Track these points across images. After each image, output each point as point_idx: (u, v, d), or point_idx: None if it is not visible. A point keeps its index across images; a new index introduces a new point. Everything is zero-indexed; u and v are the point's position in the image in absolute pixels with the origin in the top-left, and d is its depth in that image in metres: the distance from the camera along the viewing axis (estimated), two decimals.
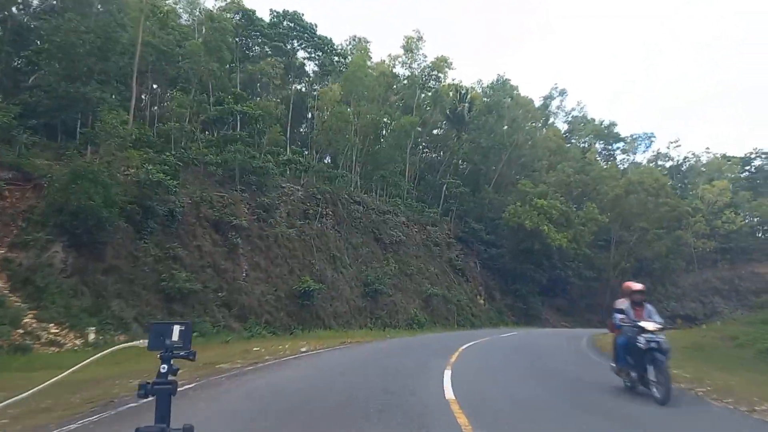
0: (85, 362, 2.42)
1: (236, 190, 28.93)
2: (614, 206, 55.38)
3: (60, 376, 2.33)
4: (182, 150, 28.17)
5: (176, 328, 2.37)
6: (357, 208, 37.15)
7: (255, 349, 15.99)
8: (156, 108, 31.31)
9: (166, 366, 2.28)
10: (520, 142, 57.15)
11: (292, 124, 41.14)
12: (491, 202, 54.64)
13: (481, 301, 47.47)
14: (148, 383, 2.22)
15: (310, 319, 28.92)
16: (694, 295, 67.15)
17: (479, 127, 54.77)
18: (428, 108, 54.47)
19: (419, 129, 51.17)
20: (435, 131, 58.09)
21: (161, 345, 2.32)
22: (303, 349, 15.99)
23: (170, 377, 2.27)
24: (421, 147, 53.96)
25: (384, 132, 45.66)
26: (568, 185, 54.13)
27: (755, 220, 74.86)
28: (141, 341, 2.39)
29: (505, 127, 56.89)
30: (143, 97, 31.52)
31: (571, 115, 70.10)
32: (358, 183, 40.81)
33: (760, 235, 78.51)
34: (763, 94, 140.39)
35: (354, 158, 39.31)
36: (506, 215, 49.21)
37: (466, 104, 54.38)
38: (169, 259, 23.27)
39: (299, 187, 33.92)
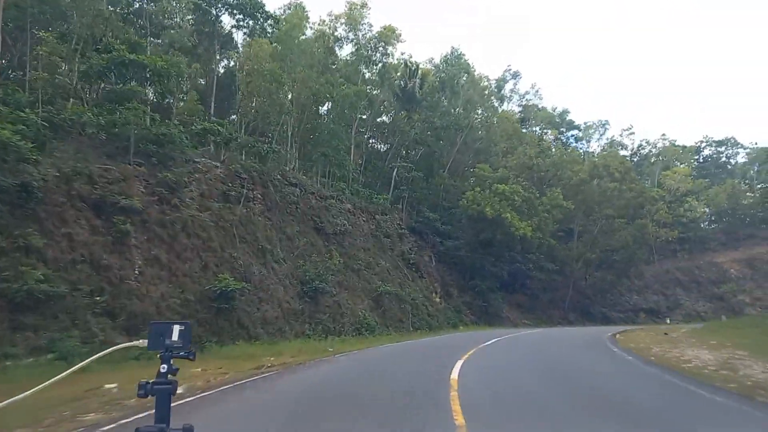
0: (84, 362, 2.48)
1: (129, 163, 22.32)
2: (578, 192, 51.45)
3: (60, 376, 2.32)
4: (52, 111, 21.33)
5: (176, 328, 2.37)
6: (293, 191, 31.03)
7: (106, 386, 9.85)
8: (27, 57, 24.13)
9: (165, 366, 2.27)
10: (476, 124, 52.39)
11: (218, 104, 34.72)
12: (446, 189, 49.60)
13: (437, 299, 42.27)
14: (148, 383, 2.21)
15: (230, 328, 22.69)
16: (656, 287, 64.45)
17: (432, 106, 49.59)
18: (375, 86, 48.77)
19: (365, 111, 45.51)
20: (383, 112, 52.44)
21: (161, 345, 2.32)
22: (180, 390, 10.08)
23: (170, 377, 2.26)
24: (368, 127, 48.19)
25: (326, 106, 39.62)
26: (530, 169, 49.71)
27: (708, 209, 73.11)
28: (141, 341, 2.37)
29: (460, 109, 52.00)
30: (9, 42, 24.30)
31: (525, 98, 66.20)
32: (296, 162, 34.68)
33: (716, 225, 77.09)
34: (712, 82, 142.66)
35: (290, 133, 33.12)
36: (464, 202, 44.21)
37: (417, 80, 49.09)
38: (18, 251, 16.60)
39: (219, 164, 27.53)
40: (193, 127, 27.25)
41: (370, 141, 47.96)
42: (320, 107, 33.53)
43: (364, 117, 46.10)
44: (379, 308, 33.45)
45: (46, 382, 2.26)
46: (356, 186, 41.22)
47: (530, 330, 36.19)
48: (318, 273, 28.91)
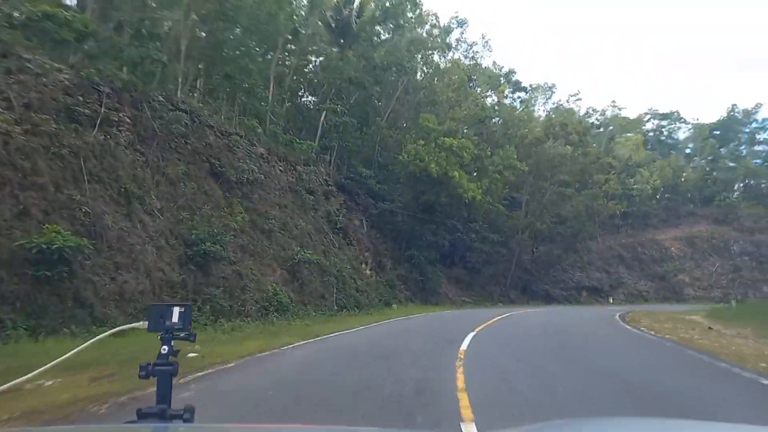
0: (86, 343, 2.54)
1: None
2: (530, 154, 45.89)
3: (64, 357, 2.44)
4: None
5: (176, 310, 2.38)
6: (181, 120, 22.82)
7: None
8: None
9: (166, 347, 2.27)
10: (423, 69, 45.39)
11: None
12: (384, 143, 42.58)
13: (368, 272, 35.55)
14: (149, 364, 2.22)
15: (59, 307, 14.85)
16: (599, 264, 60.77)
17: (371, 41, 42.07)
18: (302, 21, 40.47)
19: (291, 44, 37.38)
20: (312, 53, 44.19)
21: (161, 326, 2.31)
22: None
23: (171, 358, 2.26)
24: (293, 70, 39.89)
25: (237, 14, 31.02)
26: (481, 122, 43.43)
27: (659, 182, 70.27)
28: (141, 323, 2.38)
29: (404, 50, 44.70)
30: None
31: (473, 50, 59.59)
32: (188, 81, 26.28)
33: (657, 201, 74.66)
34: (659, 55, 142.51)
35: (182, 41, 24.62)
36: (404, 156, 37.42)
37: (354, 8, 41.31)
38: None
39: (64, 66, 19.00)
40: (21, 13, 18.54)
41: (295, 78, 39.79)
42: (228, 12, 25.13)
43: (293, 47, 38.00)
44: (296, 281, 26.22)
45: (49, 364, 2.47)
46: (275, 127, 33.35)
47: (503, 312, 30.01)
48: (211, 232, 21.23)
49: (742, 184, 77.41)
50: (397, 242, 40.11)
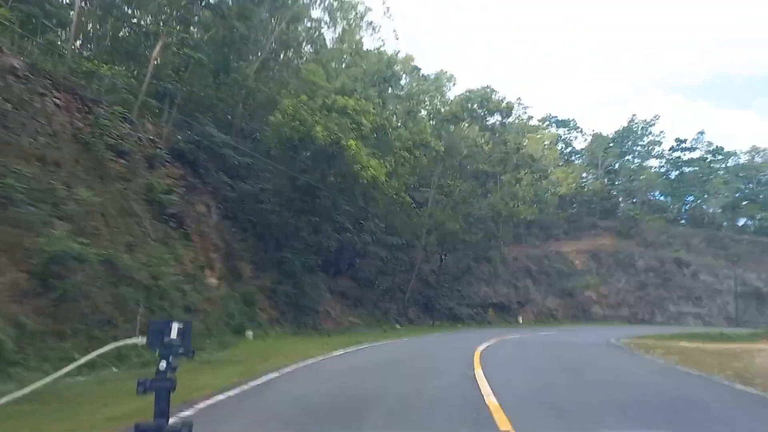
0: (84, 358, 2.51)
1: None
2: (440, 135, 36.32)
3: (61, 372, 2.42)
4: None
5: (175, 326, 2.38)
6: None
7: None
8: None
9: (165, 363, 2.31)
10: (305, 12, 34.33)
11: None
12: (250, 104, 30.91)
13: (213, 280, 23.60)
14: (147, 380, 2.27)
15: None
16: (506, 277, 52.68)
17: None
18: None
19: None
20: None
21: (160, 342, 2.34)
22: None
23: (169, 374, 2.30)
24: None
25: None
26: (387, 81, 33.11)
27: (573, 186, 64.28)
28: (140, 338, 2.39)
29: None
30: None
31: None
32: None
33: (560, 210, 68.93)
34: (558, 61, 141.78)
35: None
36: (278, 117, 26.06)
37: None
38: None
39: None
40: None
41: None
42: None
43: None
44: (48, 293, 13.83)
45: (46, 379, 2.39)
46: (63, 44, 20.60)
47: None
48: None
49: (641, 198, 74.20)
50: (263, 240, 28.53)
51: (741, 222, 76.33)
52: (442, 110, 36.58)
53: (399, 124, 31.59)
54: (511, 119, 48.22)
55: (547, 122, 79.87)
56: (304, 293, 28.87)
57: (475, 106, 36.96)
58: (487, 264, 45.44)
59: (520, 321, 48.19)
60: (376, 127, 28.03)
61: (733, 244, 68.82)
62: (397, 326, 36.33)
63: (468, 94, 38.21)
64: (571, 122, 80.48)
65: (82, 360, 2.47)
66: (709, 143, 76.84)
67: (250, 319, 24.04)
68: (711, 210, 71.82)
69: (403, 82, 37.20)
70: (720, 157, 76.00)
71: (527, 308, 51.39)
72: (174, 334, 2.35)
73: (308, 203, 28.26)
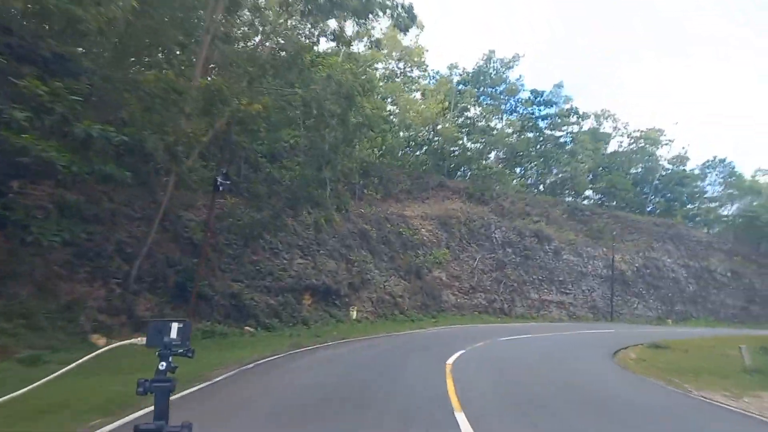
0: (83, 359, 2.44)
1: None
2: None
3: (60, 372, 2.40)
4: None
5: (174, 326, 2.38)
6: None
7: None
8: None
9: (164, 363, 2.32)
10: None
11: None
12: None
13: None
14: (147, 380, 2.26)
15: None
16: (333, 244, 34.05)
17: None
18: None
19: None
20: None
21: (160, 342, 2.35)
22: None
23: (168, 375, 2.31)
24: None
25: None
26: None
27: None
28: (139, 339, 2.39)
29: None
30: None
31: None
32: None
33: (399, 162, 52.26)
34: None
35: None
36: None
37: None
38: None
39: None
40: None
41: None
42: None
43: None
44: None
45: (44, 379, 2.34)
46: None
47: None
48: None
49: (497, 157, 60.78)
50: None
51: (600, 196, 67.41)
52: None
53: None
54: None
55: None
56: None
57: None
58: (306, 222, 26.51)
59: (354, 315, 29.99)
60: None
61: (594, 218, 58.65)
62: (101, 340, 15.67)
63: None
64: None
65: (94, 354, 2.45)
66: (567, 98, 66.32)
67: None
68: (571, 178, 61.09)
69: None
70: (576, 118, 65.94)
71: (362, 293, 33.35)
72: (173, 334, 2.32)
73: None
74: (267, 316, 23.68)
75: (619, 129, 70.92)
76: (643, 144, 69.78)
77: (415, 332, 28.68)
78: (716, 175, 72.01)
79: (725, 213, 72.48)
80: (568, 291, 50.43)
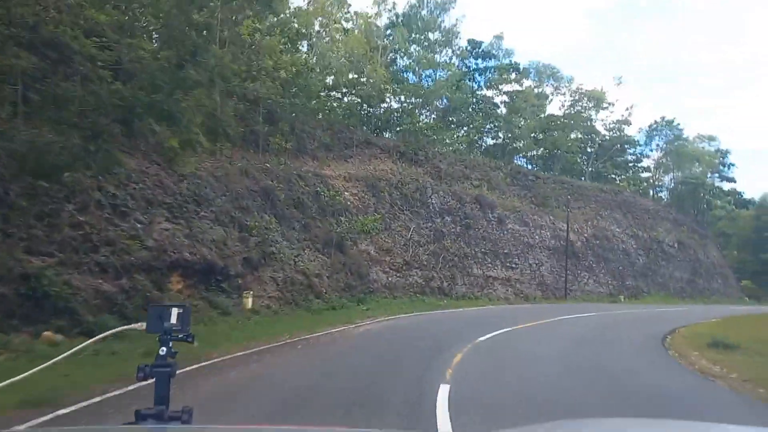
0: (83, 344, 2.44)
1: None
2: None
3: (60, 357, 2.36)
4: None
5: (174, 310, 2.32)
6: None
7: None
8: None
9: (165, 348, 2.24)
10: None
11: None
12: None
13: None
14: (147, 365, 2.19)
15: None
16: (224, 208, 25.04)
17: None
18: None
19: None
20: None
21: (160, 327, 2.27)
22: None
23: (169, 360, 2.24)
24: None
25: None
26: None
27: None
28: (140, 324, 2.35)
29: None
30: None
31: None
32: None
33: (319, 116, 43.52)
34: None
35: None
36: None
37: None
38: None
39: None
40: None
41: None
42: None
43: None
44: None
45: (43, 365, 2.28)
46: None
47: None
48: None
49: (432, 111, 52.96)
50: None
51: (541, 161, 61.24)
52: None
53: None
54: None
55: None
56: None
57: None
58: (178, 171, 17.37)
59: (249, 303, 21.26)
60: None
61: (539, 183, 52.29)
62: None
63: None
64: None
65: (94, 339, 2.47)
66: (508, 52, 59.21)
67: None
68: (513, 141, 54.39)
69: None
70: (516, 75, 59.15)
71: (264, 274, 24.53)
72: (173, 319, 2.27)
73: None
74: (93, 312, 14.58)
75: (561, 89, 64.90)
76: (586, 103, 64.19)
77: (343, 329, 20.23)
78: (662, 138, 67.82)
79: (669, 180, 68.79)
80: (514, 266, 43.73)
